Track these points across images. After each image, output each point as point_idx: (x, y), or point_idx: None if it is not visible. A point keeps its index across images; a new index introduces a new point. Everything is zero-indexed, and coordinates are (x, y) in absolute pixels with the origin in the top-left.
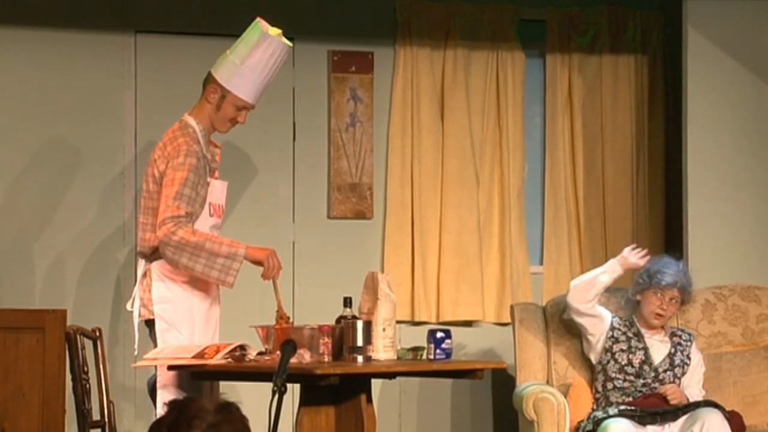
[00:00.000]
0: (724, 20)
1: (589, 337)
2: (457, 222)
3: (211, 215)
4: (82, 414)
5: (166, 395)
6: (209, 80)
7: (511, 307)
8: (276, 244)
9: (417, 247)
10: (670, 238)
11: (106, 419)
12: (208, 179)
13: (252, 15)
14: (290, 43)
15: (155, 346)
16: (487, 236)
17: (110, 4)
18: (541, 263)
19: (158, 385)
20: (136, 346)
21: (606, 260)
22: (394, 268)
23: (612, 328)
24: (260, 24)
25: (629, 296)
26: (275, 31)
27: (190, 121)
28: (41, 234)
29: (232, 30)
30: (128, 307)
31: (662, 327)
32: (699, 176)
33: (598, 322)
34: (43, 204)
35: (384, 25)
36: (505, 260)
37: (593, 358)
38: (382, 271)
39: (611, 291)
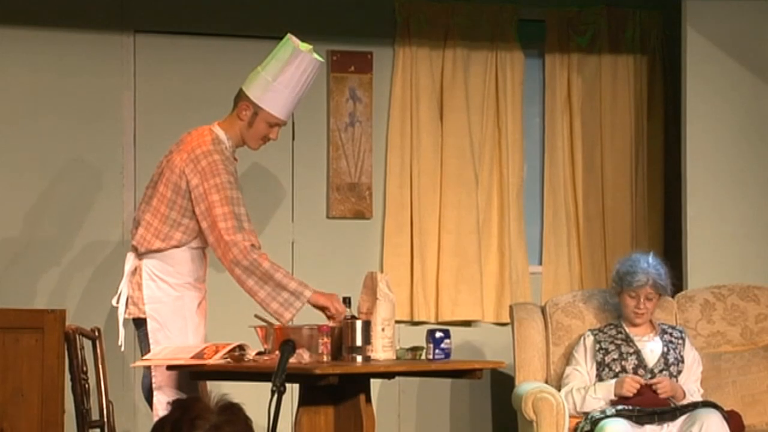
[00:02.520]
0: (723, 20)
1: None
2: (456, 222)
3: None
4: (81, 414)
5: (161, 396)
6: (241, 97)
7: (510, 307)
8: (275, 243)
9: (416, 247)
10: (669, 237)
11: (105, 419)
12: None
13: (251, 15)
14: (322, 59)
15: (143, 344)
16: (486, 236)
17: (109, 4)
18: (540, 263)
19: (154, 386)
20: (121, 342)
21: (605, 260)
22: (393, 268)
23: (596, 343)
24: (291, 40)
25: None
26: (306, 47)
27: (221, 135)
28: (40, 234)
29: (232, 30)
30: (114, 302)
31: (652, 326)
32: (698, 176)
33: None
34: (41, 203)
35: (383, 25)
36: (504, 260)
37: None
38: (381, 271)
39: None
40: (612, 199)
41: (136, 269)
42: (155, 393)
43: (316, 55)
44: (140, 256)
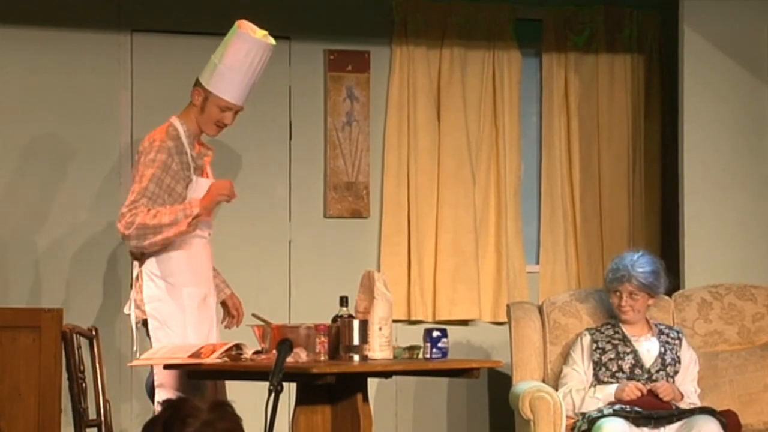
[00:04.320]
0: (720, 19)
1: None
2: (453, 221)
3: None
4: (79, 413)
5: (163, 395)
6: (195, 84)
7: (508, 306)
8: (272, 243)
9: (413, 246)
10: (666, 237)
11: (103, 418)
12: (193, 177)
13: (248, 14)
14: (273, 42)
15: (152, 345)
16: (483, 235)
17: (106, 4)
18: (538, 262)
19: (155, 384)
20: (135, 349)
21: (602, 259)
22: (391, 267)
23: (593, 343)
24: (239, 25)
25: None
26: (261, 33)
27: (175, 122)
28: (37, 233)
29: (229, 29)
30: (125, 310)
31: (649, 326)
32: (695, 175)
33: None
34: (38, 203)
35: (380, 24)
36: (502, 259)
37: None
38: (379, 270)
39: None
40: (609, 198)
41: (138, 275)
42: (157, 391)
43: (269, 39)
44: (140, 261)
